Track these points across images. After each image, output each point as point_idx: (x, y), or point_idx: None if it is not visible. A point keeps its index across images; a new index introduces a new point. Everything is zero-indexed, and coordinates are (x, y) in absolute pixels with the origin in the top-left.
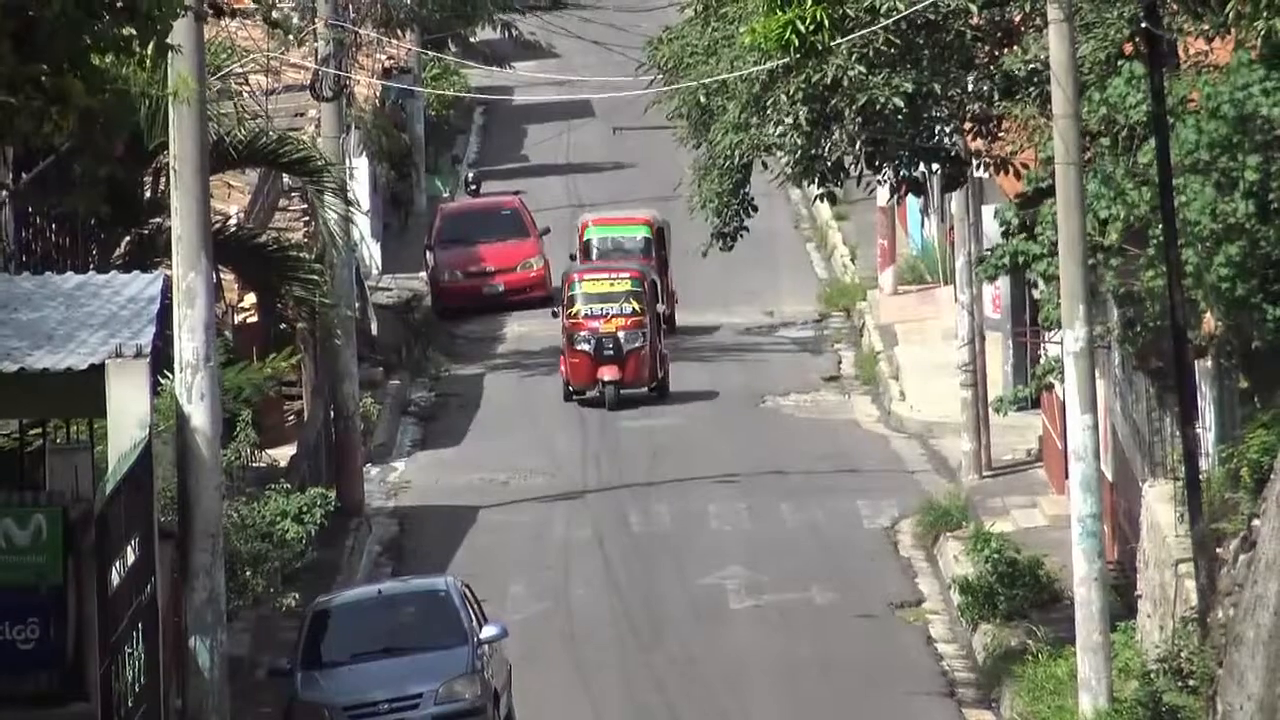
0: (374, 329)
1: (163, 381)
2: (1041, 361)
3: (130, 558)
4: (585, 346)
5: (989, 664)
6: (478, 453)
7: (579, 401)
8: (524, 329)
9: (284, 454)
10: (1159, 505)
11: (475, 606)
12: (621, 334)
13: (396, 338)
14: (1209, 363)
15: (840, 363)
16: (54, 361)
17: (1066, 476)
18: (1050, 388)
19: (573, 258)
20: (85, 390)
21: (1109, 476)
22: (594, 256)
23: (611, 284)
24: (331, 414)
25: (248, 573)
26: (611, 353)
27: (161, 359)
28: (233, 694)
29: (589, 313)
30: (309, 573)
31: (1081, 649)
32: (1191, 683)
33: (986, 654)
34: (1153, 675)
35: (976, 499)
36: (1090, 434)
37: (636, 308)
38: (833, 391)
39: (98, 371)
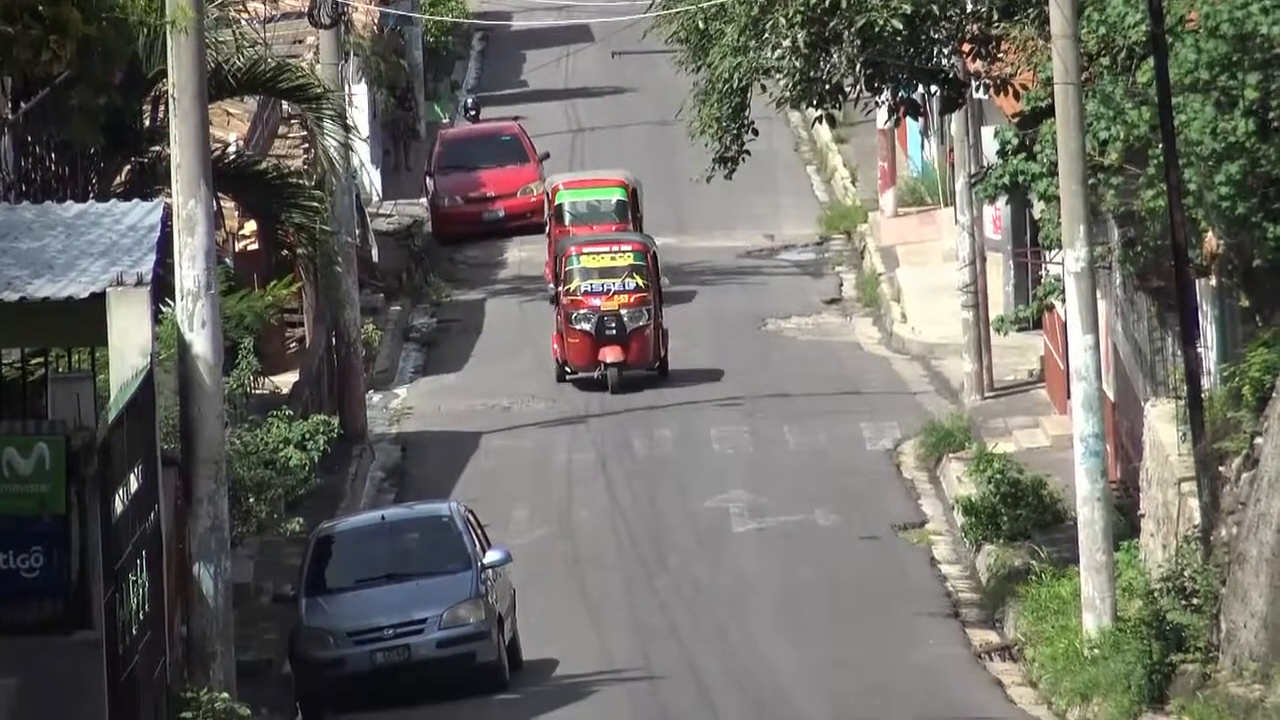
0: (375, 255)
1: (164, 310)
2: (1042, 282)
3: (133, 486)
4: (585, 326)
5: (992, 584)
6: (480, 378)
7: (575, 384)
8: (525, 254)
9: (286, 381)
10: (1161, 424)
11: (478, 531)
12: (625, 312)
13: (397, 264)
14: (1210, 281)
15: (841, 285)
16: (55, 290)
17: (1068, 396)
18: (1051, 308)
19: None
20: (87, 319)
21: (1111, 396)
22: (566, 221)
23: (613, 258)
24: (333, 340)
25: (251, 500)
26: (614, 332)
27: (162, 287)
28: (237, 620)
29: (589, 289)
30: (312, 499)
31: (1085, 569)
32: (1195, 601)
33: (990, 574)
34: (1156, 594)
35: (979, 420)
36: (1092, 354)
37: (640, 283)
38: (834, 314)
39: (99, 300)
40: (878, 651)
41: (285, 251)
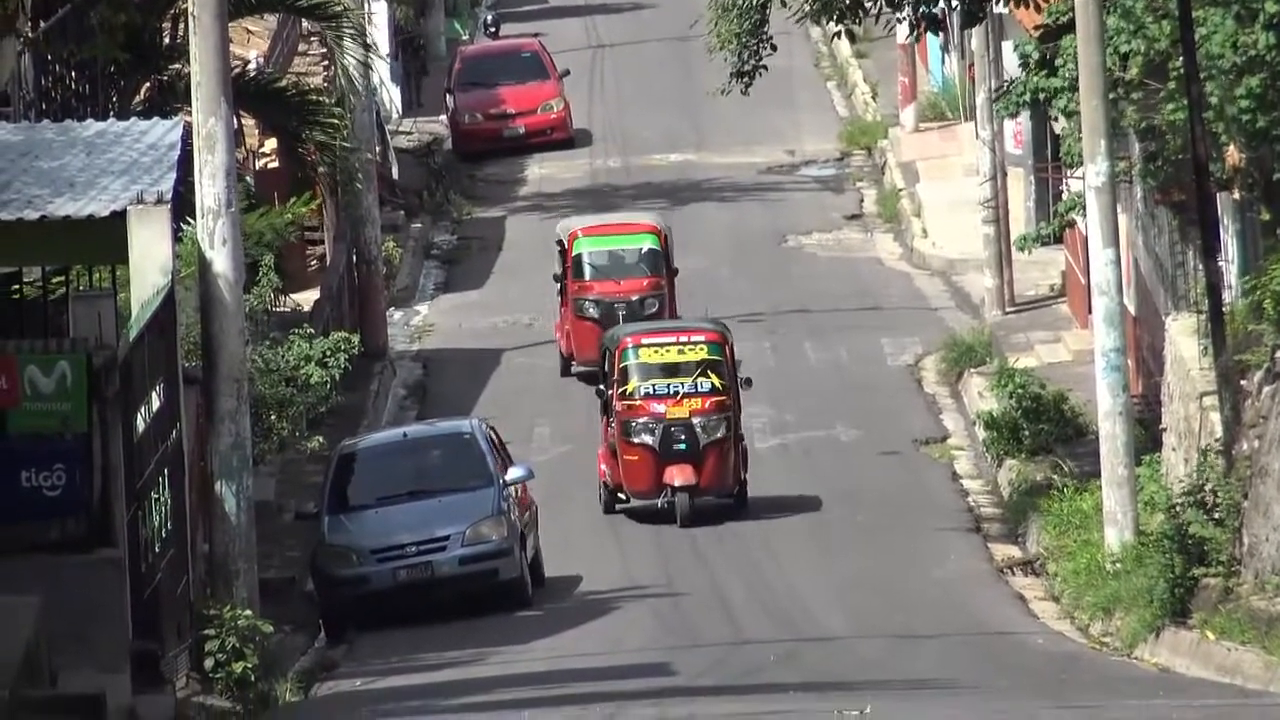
0: (395, 173)
1: (185, 227)
2: (1064, 197)
3: (155, 404)
4: (647, 439)
5: (1014, 499)
6: (501, 295)
7: (629, 515)
8: (545, 171)
9: (307, 299)
10: (1182, 338)
11: (500, 448)
12: (697, 421)
13: (418, 181)
14: (1231, 195)
15: (862, 201)
16: (76, 209)
17: (1090, 311)
18: (1072, 223)
19: (557, 279)
20: (107, 237)
21: (1132, 310)
22: (587, 275)
23: (681, 352)
24: (354, 258)
25: (273, 417)
26: (684, 446)
27: (183, 205)
28: (259, 538)
29: (650, 391)
30: (334, 417)
31: (1107, 483)
32: (1217, 515)
33: (1012, 489)
34: (1178, 508)
35: (1000, 335)
36: (1113, 268)
37: (717, 384)
38: (855, 229)
39: (120, 218)
40: (899, 566)
41: (306, 169)
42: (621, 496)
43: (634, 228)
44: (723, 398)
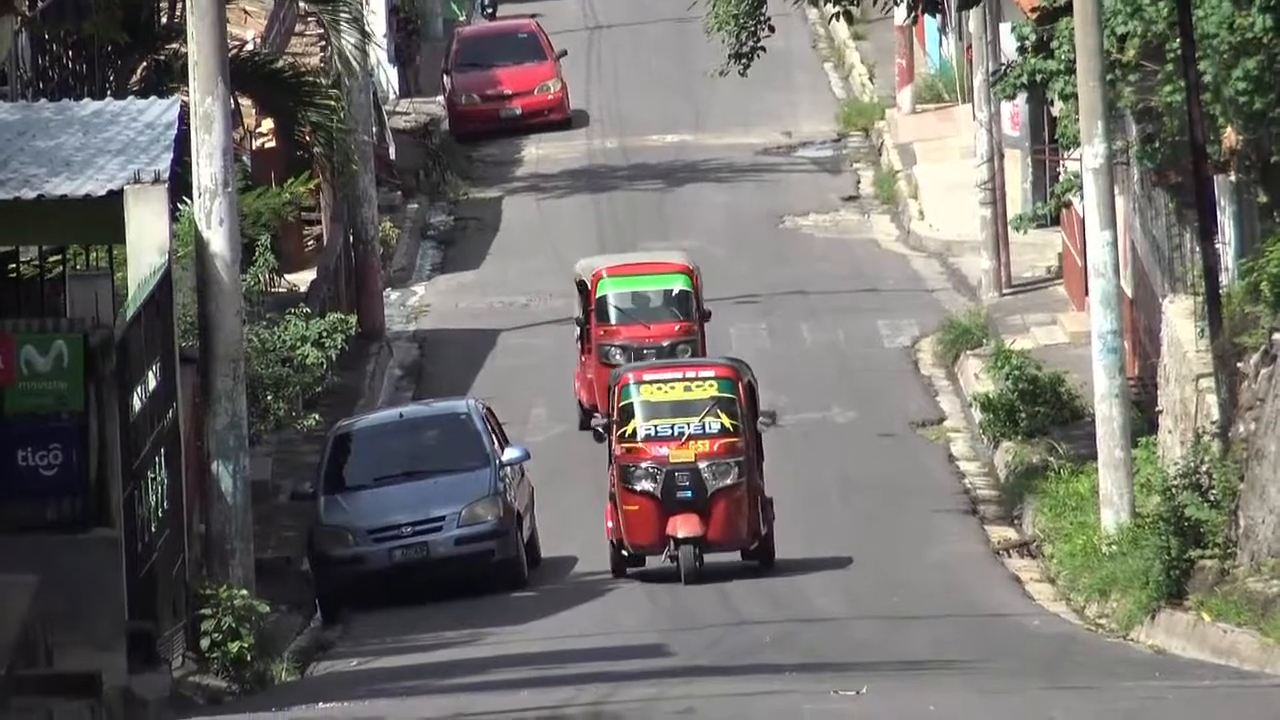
0: (392, 153)
1: (181, 207)
2: (1060, 178)
3: (151, 383)
4: (648, 486)
5: (1010, 481)
6: (497, 276)
7: (637, 577)
8: (542, 152)
9: (304, 279)
10: (1179, 320)
11: (497, 429)
12: (704, 465)
13: (415, 162)
14: (1228, 177)
15: (859, 182)
16: (73, 188)
17: (1086, 293)
18: (1069, 205)
19: (579, 323)
20: (104, 216)
21: (1129, 292)
22: (612, 319)
23: (688, 389)
24: (351, 238)
25: (269, 397)
26: (690, 494)
27: (180, 185)
28: (256, 518)
29: (653, 433)
30: (330, 397)
31: (1103, 465)
32: (1213, 497)
33: (1008, 471)
34: (1174, 491)
35: (996, 316)
36: (1110, 250)
37: (728, 425)
38: (852, 211)
39: (116, 198)
40: (895, 548)
41: (302, 150)
42: (626, 553)
43: (663, 267)
44: (734, 439)
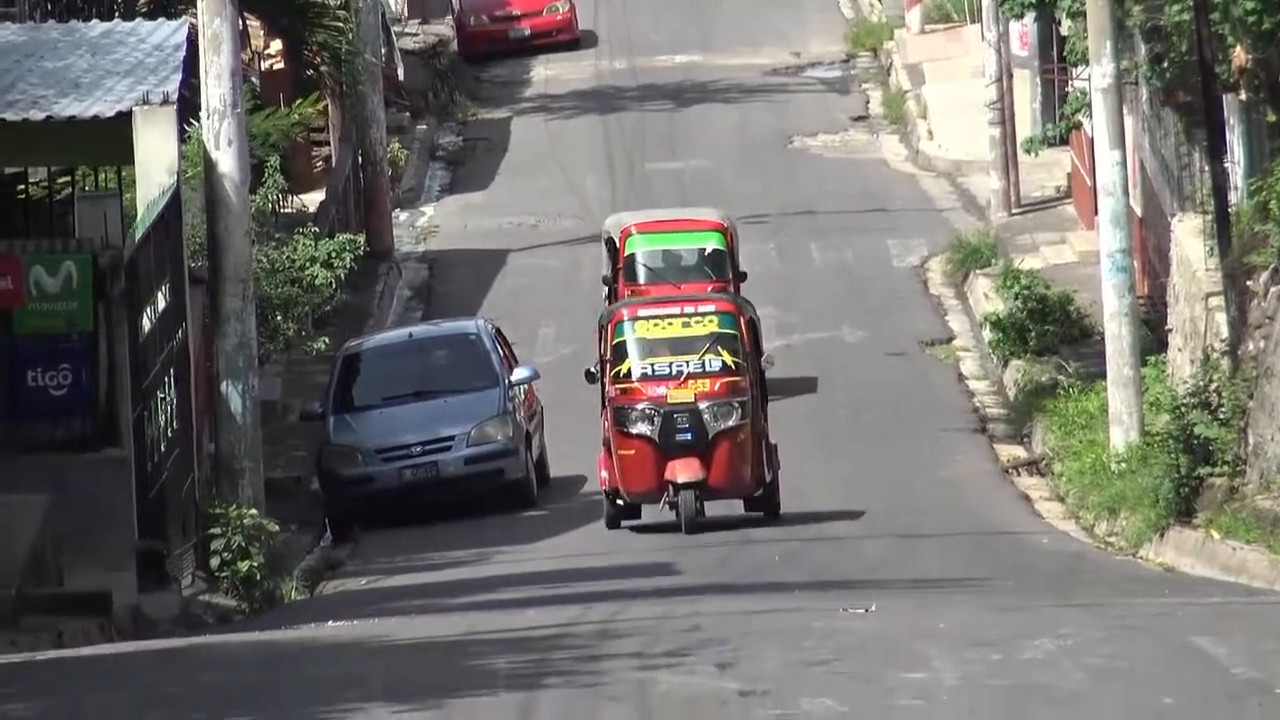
0: (400, 74)
1: (189, 129)
2: (1069, 98)
3: (161, 304)
4: (645, 429)
5: (1020, 400)
6: (506, 196)
7: (634, 529)
8: (550, 72)
9: (312, 199)
10: (1188, 239)
11: (506, 349)
12: (705, 405)
13: (423, 83)
14: (1237, 96)
15: (868, 103)
16: (81, 109)
17: (1096, 212)
18: (1078, 125)
19: (606, 282)
20: (113, 138)
21: (1138, 212)
22: (641, 279)
23: (687, 325)
24: (359, 159)
25: (278, 317)
26: (690, 437)
27: (188, 106)
28: (265, 438)
29: (649, 372)
30: (339, 317)
31: (1112, 384)
32: (1222, 415)
33: (1017, 390)
34: (1183, 409)
35: (1005, 236)
36: (1119, 169)
37: (730, 362)
38: (861, 131)
39: (125, 119)
40: (905, 467)
41: (311, 70)
42: (621, 502)
43: (697, 224)
44: (736, 378)
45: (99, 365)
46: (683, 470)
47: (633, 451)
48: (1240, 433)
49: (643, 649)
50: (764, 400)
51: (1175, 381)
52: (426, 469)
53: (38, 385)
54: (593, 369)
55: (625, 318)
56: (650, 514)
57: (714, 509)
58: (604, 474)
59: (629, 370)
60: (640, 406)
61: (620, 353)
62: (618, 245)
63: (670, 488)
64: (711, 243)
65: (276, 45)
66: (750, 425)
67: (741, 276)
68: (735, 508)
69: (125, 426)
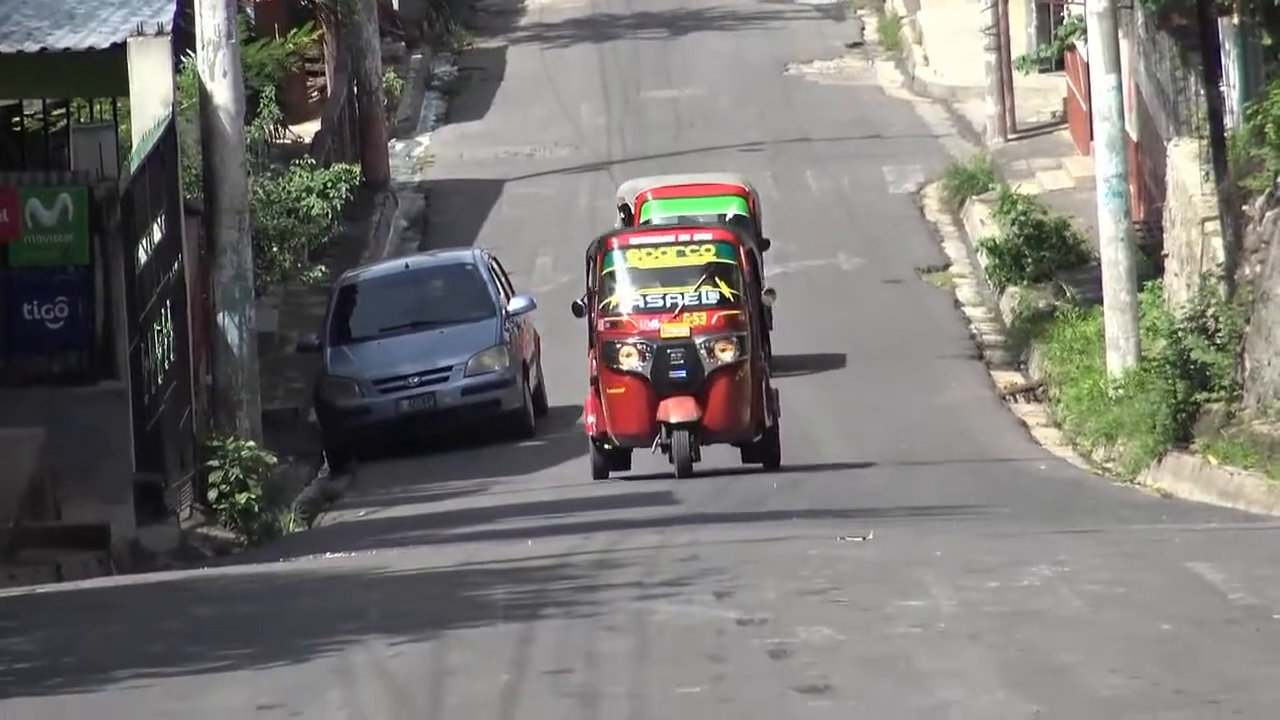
0: (395, 3)
1: (185, 59)
2: (1064, 22)
3: (157, 236)
4: (636, 365)
5: (1017, 325)
6: (502, 126)
7: (623, 478)
8: (545, 1)
9: (308, 130)
10: (1184, 163)
11: (503, 279)
12: (700, 340)
13: (418, 11)
14: (1232, 20)
15: (863, 29)
16: (76, 41)
17: (1091, 137)
18: (1073, 48)
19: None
20: (108, 69)
21: (1134, 136)
22: None
23: (681, 254)
24: (354, 89)
25: (274, 249)
26: (684, 374)
27: (183, 37)
28: (262, 369)
29: (641, 305)
30: (335, 247)
31: (1109, 309)
32: (1219, 340)
33: (1014, 316)
34: (1180, 333)
35: (1001, 162)
36: (1114, 94)
37: (728, 294)
38: (856, 57)
39: (120, 50)
40: (903, 394)
41: (305, 0)
42: (608, 446)
43: (716, 189)
44: (735, 311)
45: (95, 298)
46: (676, 410)
47: (622, 390)
48: (1237, 358)
49: (641, 579)
50: (765, 338)
51: (1172, 307)
52: (424, 400)
53: (34, 318)
54: (580, 301)
55: (615, 246)
56: (641, 465)
57: (709, 456)
58: (590, 419)
59: (618, 303)
60: (631, 341)
61: (609, 284)
62: (633, 211)
63: (663, 428)
64: (732, 207)
65: None
66: (750, 363)
67: (765, 244)
68: (732, 460)
69: (122, 359)
